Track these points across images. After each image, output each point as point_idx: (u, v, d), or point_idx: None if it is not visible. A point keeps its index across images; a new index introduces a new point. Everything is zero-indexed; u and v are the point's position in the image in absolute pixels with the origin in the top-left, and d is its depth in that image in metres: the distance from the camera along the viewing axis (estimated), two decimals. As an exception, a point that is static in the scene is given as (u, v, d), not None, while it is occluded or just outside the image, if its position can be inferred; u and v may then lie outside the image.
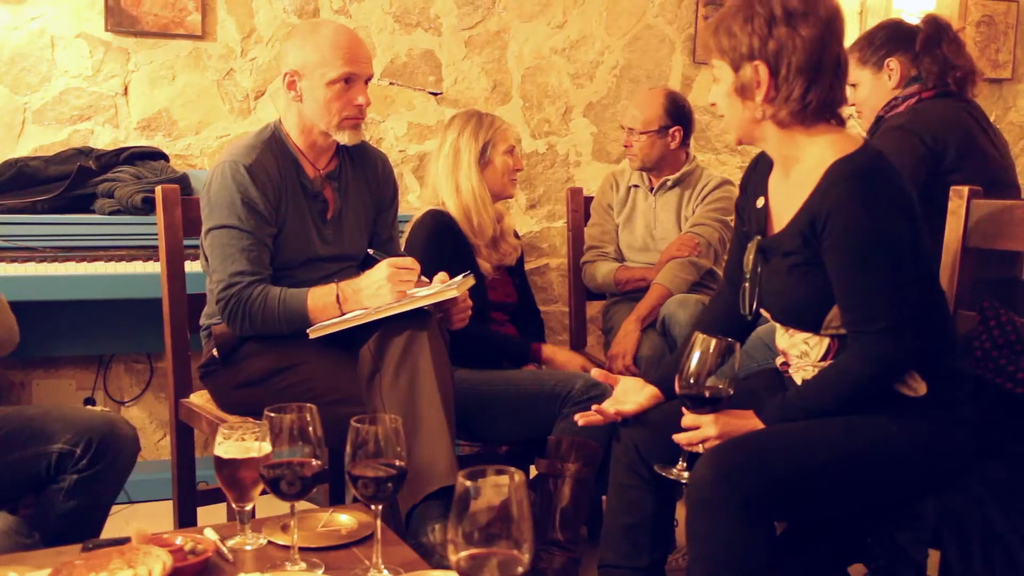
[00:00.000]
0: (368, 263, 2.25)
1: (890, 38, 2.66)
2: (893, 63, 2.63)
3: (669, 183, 3.07)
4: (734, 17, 1.77)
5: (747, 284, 1.89)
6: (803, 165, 1.78)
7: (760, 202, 1.90)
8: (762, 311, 1.91)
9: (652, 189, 3.10)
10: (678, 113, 3.04)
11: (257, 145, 2.22)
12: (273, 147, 2.24)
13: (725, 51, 1.78)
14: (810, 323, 1.79)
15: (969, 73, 2.58)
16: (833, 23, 1.75)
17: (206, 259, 2.22)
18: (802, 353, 1.84)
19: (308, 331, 2.12)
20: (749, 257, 1.88)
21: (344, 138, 2.23)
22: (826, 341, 1.79)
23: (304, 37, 2.22)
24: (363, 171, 2.38)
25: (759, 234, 1.88)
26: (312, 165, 2.29)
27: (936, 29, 2.60)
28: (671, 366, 1.91)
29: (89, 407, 3.14)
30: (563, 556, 2.31)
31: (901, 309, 1.69)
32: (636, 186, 3.13)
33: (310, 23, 2.36)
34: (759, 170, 1.95)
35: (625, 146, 3.10)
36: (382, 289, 2.08)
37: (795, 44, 1.72)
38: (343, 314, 2.10)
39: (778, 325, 1.90)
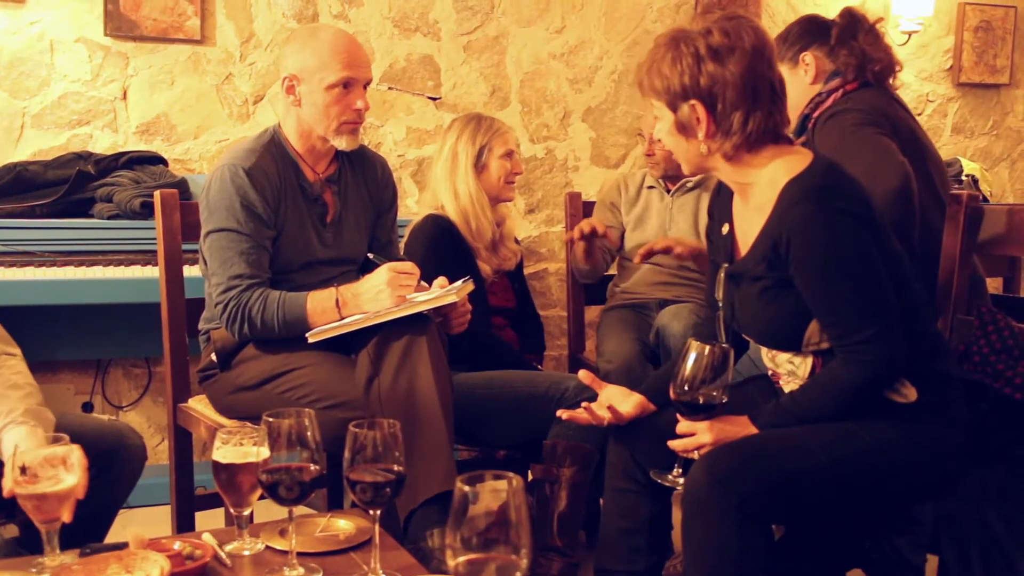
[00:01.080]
0: (368, 267, 2.25)
1: (805, 32, 2.56)
2: (808, 57, 2.52)
3: (689, 185, 3.05)
4: (663, 58, 1.75)
5: (720, 313, 1.90)
6: (758, 189, 1.78)
7: (725, 228, 1.90)
8: (744, 335, 1.91)
9: (669, 191, 3.09)
10: None
11: (256, 149, 2.22)
12: (272, 151, 2.24)
13: (659, 92, 1.77)
14: (790, 343, 1.79)
15: (888, 65, 2.48)
16: (761, 51, 1.72)
17: (205, 263, 2.22)
18: (789, 372, 1.84)
19: (307, 335, 2.12)
20: (719, 286, 1.88)
21: (342, 143, 2.23)
22: (810, 360, 1.78)
23: (303, 42, 2.22)
24: (362, 174, 2.38)
25: (727, 260, 1.87)
26: (311, 169, 2.29)
27: (851, 21, 2.50)
28: (661, 376, 1.91)
29: (97, 416, 3.13)
30: (561, 561, 2.30)
31: (883, 314, 1.69)
32: (651, 187, 3.11)
33: (309, 28, 2.36)
34: (723, 196, 1.94)
35: (647, 154, 3.07)
36: (382, 294, 2.07)
37: (726, 79, 1.70)
38: (342, 318, 2.10)
39: (762, 347, 1.90)
